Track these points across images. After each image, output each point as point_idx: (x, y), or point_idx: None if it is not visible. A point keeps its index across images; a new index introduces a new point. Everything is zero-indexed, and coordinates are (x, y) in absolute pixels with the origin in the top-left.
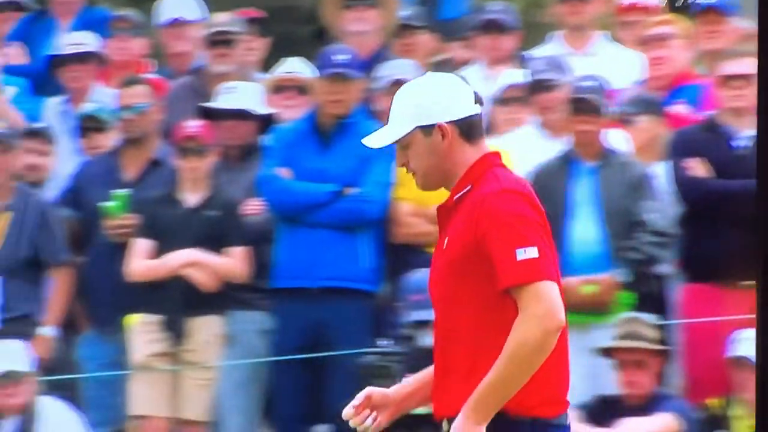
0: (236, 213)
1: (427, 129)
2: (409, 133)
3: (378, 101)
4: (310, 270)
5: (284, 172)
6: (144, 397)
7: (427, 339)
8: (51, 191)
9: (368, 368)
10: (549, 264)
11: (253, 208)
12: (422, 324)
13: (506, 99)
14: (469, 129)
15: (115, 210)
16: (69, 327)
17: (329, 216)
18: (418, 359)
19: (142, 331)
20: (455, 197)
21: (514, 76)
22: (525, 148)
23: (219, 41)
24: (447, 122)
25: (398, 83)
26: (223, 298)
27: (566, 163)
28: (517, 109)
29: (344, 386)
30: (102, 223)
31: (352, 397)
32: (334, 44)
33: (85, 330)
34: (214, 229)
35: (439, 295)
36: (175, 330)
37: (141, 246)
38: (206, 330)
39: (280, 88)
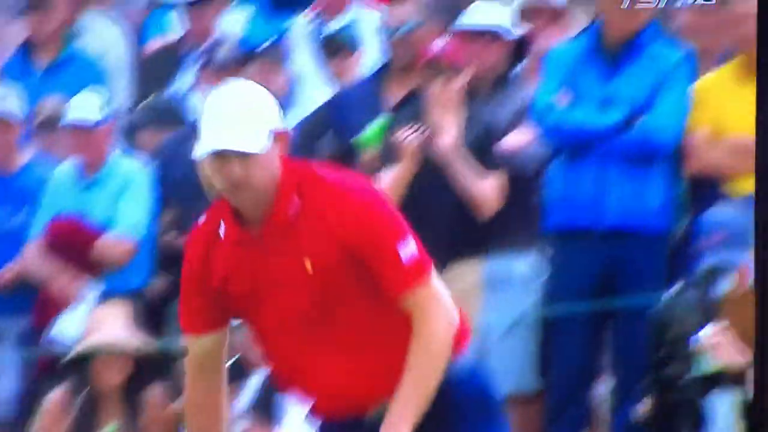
0: (491, 138)
1: (273, 135)
2: (268, 139)
3: (676, 17)
4: (592, 209)
5: (562, 99)
6: None
7: (722, 286)
8: (291, 118)
9: (660, 319)
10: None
11: (519, 137)
12: (720, 268)
13: None
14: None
15: (371, 141)
16: None
17: (616, 148)
18: (713, 307)
19: None
20: (288, 213)
21: None
22: None
23: None
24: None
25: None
26: (486, 240)
27: None
28: None
29: (633, 339)
30: (356, 154)
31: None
32: None
33: None
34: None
35: (310, 317)
36: None
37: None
38: (467, 277)
39: (529, 14)
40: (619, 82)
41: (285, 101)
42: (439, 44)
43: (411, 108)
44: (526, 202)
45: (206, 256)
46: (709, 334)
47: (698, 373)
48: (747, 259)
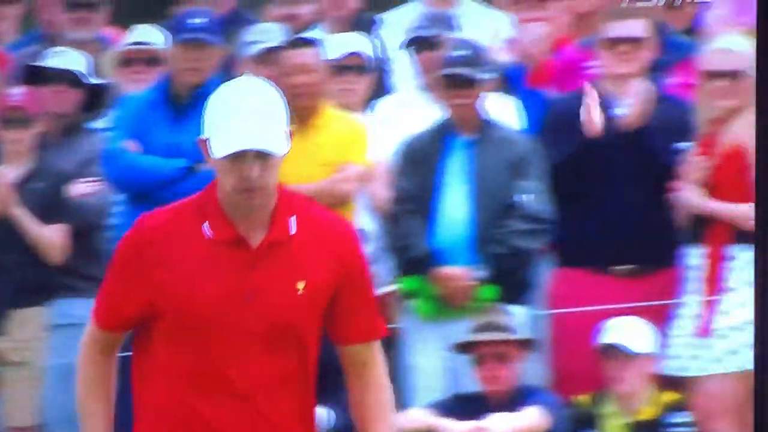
0: (64, 187)
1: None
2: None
3: (240, 69)
4: None
5: (131, 146)
6: None
7: None
8: None
9: None
10: None
11: (86, 186)
12: None
13: (346, 66)
14: None
15: None
16: None
17: (180, 194)
18: None
19: None
20: (288, 230)
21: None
22: (402, 115)
23: (79, 4)
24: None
25: (272, 52)
26: (50, 286)
27: (441, 135)
28: (354, 79)
29: None
30: None
31: None
32: (189, 5)
33: None
34: (39, 203)
35: (270, 340)
36: None
37: None
38: (31, 323)
39: (128, 61)
40: (186, 130)
41: None
42: (15, 92)
43: None
44: (91, 249)
45: (163, 249)
46: None
47: None
48: None
